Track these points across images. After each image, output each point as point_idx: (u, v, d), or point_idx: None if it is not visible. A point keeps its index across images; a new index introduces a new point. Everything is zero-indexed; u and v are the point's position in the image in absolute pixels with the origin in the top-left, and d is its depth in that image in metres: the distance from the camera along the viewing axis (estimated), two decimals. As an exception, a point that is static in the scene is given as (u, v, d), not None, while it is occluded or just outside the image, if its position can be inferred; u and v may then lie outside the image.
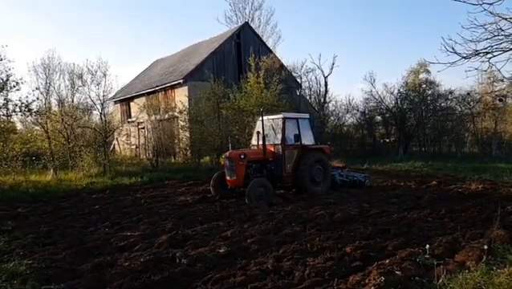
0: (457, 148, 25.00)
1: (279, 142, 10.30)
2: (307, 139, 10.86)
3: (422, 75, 25.96)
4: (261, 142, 10.18)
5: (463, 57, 7.48)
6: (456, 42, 7.33)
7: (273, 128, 10.75)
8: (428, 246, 5.16)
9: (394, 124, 25.63)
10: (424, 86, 25.58)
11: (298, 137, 10.32)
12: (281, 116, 10.53)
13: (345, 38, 61.24)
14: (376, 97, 25.40)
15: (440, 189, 11.05)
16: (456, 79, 57.44)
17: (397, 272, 4.51)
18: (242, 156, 9.74)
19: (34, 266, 5.16)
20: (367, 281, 4.40)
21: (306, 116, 11.50)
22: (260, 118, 10.36)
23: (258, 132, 10.23)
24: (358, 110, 26.20)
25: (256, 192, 9.34)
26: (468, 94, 24.39)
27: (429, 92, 25.42)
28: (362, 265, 4.99)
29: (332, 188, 11.09)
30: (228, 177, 10.02)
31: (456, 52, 7.38)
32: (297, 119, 10.72)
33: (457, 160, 19.64)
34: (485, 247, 4.77)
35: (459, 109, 25.34)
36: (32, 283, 4.41)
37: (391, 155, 22.29)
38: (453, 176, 14.07)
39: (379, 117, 26.66)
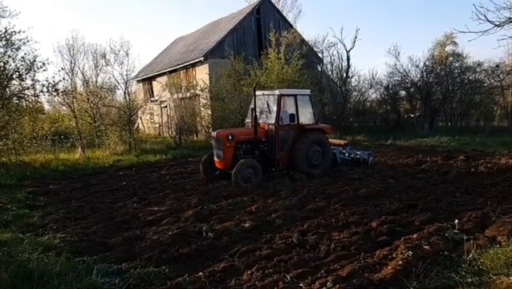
0: (485, 122, 24.11)
1: (274, 121, 9.42)
2: (307, 117, 9.95)
3: (448, 48, 24.94)
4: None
5: (496, 25, 7.15)
6: (488, 10, 7.01)
7: (268, 106, 9.80)
8: (457, 220, 5.08)
9: (419, 99, 24.85)
10: (451, 58, 24.55)
11: (293, 117, 9.36)
12: (276, 92, 9.61)
13: (368, 10, 59.02)
14: (401, 71, 24.58)
15: (468, 164, 10.72)
16: (484, 51, 54.79)
17: (425, 247, 4.46)
18: (230, 137, 9.04)
19: (68, 239, 5.41)
20: (394, 255, 4.39)
21: (307, 92, 10.44)
22: (258, 93, 9.75)
23: (253, 109, 9.32)
24: (381, 85, 25.49)
25: (244, 174, 8.68)
26: (497, 66, 23.25)
27: (456, 65, 24.40)
28: (388, 240, 4.98)
29: (333, 167, 10.35)
30: (215, 158, 9.39)
31: (488, 20, 7.07)
32: (295, 95, 9.78)
33: (486, 134, 18.95)
34: (518, 222, 4.64)
35: (488, 82, 24.26)
36: (66, 255, 4.61)
37: (416, 130, 21.72)
38: (482, 150, 13.63)
39: (403, 92, 25.90)
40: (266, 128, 9.65)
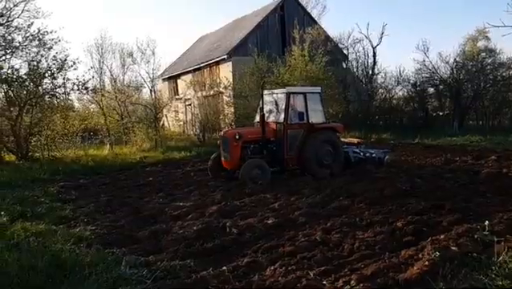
0: (519, 121, 23.10)
1: (282, 120, 9.22)
2: (317, 116, 9.66)
3: (481, 43, 23.94)
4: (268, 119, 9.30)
5: (534, 18, 6.82)
6: (526, 2, 6.70)
7: (276, 104, 9.62)
8: (487, 222, 4.89)
9: (448, 96, 24.08)
10: (484, 54, 23.58)
11: (303, 115, 9.21)
12: (285, 90, 9.46)
13: (396, 4, 57.51)
14: (430, 67, 23.80)
15: (499, 164, 10.32)
16: (521, 45, 52.23)
17: (453, 248, 4.34)
18: (237, 137, 8.87)
19: (97, 231, 5.63)
20: (420, 256, 4.29)
21: (317, 89, 10.14)
22: (266, 92, 9.62)
23: (261, 108, 9.13)
24: (409, 82, 24.80)
25: (251, 174, 8.52)
26: (533, 62, 22.20)
27: (489, 61, 23.39)
28: (414, 240, 4.87)
29: (345, 167, 9.99)
30: (222, 158, 9.31)
31: (526, 13, 6.74)
32: (304, 94, 9.51)
33: (520, 134, 18.15)
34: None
35: (523, 79, 23.21)
36: (96, 247, 4.81)
37: (444, 129, 21.04)
38: (515, 151, 13.05)
39: (431, 89, 25.14)
40: (275, 127, 9.45)
